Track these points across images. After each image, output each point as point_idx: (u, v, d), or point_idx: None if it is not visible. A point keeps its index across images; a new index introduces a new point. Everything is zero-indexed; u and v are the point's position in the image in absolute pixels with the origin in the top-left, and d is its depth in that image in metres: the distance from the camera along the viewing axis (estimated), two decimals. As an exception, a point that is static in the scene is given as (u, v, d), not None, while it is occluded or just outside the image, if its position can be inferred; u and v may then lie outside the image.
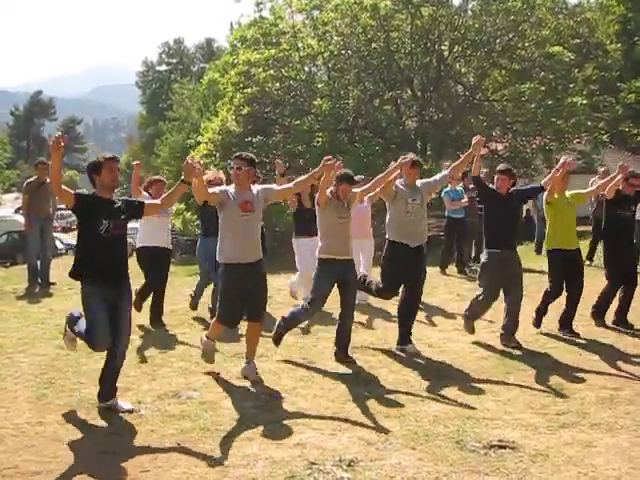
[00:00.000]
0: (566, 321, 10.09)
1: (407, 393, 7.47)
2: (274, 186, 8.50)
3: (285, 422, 6.60)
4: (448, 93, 30.71)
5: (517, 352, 9.07)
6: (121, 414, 6.77)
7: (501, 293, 9.52)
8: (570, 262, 10.01)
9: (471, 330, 9.67)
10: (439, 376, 8.07)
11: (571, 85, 30.11)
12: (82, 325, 6.98)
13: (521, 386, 7.68)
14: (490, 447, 5.94)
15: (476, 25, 29.58)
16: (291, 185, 8.43)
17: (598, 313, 10.47)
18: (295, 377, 8.04)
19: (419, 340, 9.55)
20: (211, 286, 10.85)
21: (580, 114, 28.59)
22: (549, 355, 8.93)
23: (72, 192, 6.85)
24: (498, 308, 9.80)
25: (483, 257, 9.61)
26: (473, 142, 9.16)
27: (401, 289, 9.39)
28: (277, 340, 8.70)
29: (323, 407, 7.04)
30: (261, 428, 6.43)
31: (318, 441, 6.10)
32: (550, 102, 28.74)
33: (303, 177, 8.47)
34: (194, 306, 11.30)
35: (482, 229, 9.96)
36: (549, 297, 10.12)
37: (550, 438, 6.17)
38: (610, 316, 10.47)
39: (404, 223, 9.24)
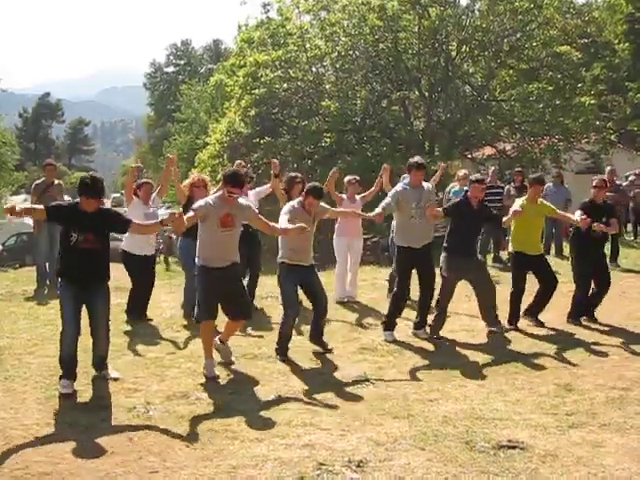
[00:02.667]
0: (532, 308, 10.48)
1: (416, 393, 7.46)
2: (254, 214, 8.40)
3: (294, 423, 6.60)
4: (456, 93, 30.64)
5: (526, 352, 9.06)
6: (126, 412, 6.80)
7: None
8: (533, 265, 10.33)
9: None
10: (448, 377, 8.06)
11: (579, 85, 30.02)
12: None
13: (530, 386, 7.67)
14: (499, 447, 5.93)
15: (483, 25, 29.49)
16: (268, 226, 8.38)
17: (573, 316, 10.59)
18: (303, 378, 8.04)
19: (428, 341, 9.59)
20: None
21: (588, 114, 28.47)
22: (558, 355, 8.91)
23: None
24: (504, 309, 9.85)
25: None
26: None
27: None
28: (283, 356, 8.79)
29: (332, 408, 7.04)
30: (270, 429, 6.44)
31: (327, 442, 6.10)
32: (558, 102, 28.65)
33: (277, 228, 8.41)
34: (188, 314, 10.94)
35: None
36: (515, 297, 10.37)
37: (559, 438, 6.16)
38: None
39: (409, 227, 9.49)
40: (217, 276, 7.94)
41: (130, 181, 10.87)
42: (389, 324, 9.70)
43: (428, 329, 9.75)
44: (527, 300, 10.37)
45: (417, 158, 9.71)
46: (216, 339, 8.51)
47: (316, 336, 9.12)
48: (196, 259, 8.15)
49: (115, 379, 7.75)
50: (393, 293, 9.85)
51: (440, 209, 9.90)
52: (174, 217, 7.39)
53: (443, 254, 9.88)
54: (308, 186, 8.92)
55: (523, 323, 10.31)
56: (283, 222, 8.48)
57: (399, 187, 9.64)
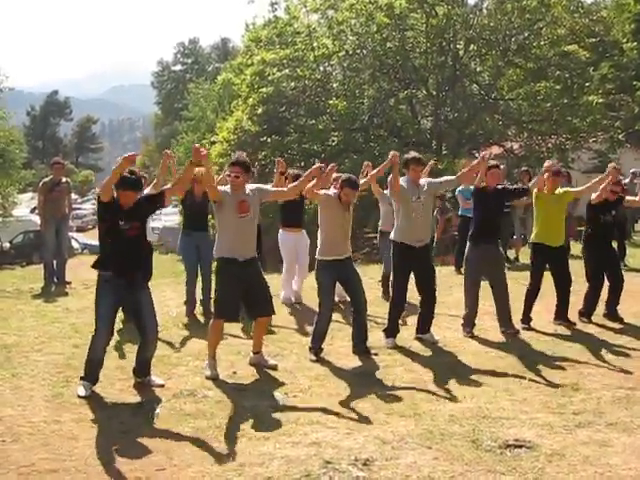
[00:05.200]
0: (559, 313, 10.42)
1: (422, 392, 7.47)
2: (269, 187, 8.60)
3: (301, 421, 6.61)
4: (463, 92, 30.62)
5: (533, 351, 9.05)
6: (139, 407, 6.82)
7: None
8: (552, 259, 10.26)
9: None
10: (454, 375, 8.05)
11: (587, 84, 29.97)
12: None
13: (537, 385, 7.66)
14: (506, 446, 5.93)
15: (491, 24, 29.47)
16: (285, 189, 8.59)
17: (585, 315, 10.62)
18: (311, 376, 8.05)
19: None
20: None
21: (596, 113, 28.42)
22: (565, 354, 8.89)
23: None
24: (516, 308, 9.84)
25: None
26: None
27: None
28: (316, 356, 8.77)
29: (339, 406, 7.04)
30: (277, 427, 6.45)
31: (334, 440, 6.11)
32: (566, 101, 28.60)
33: (297, 182, 8.68)
34: (190, 313, 11.05)
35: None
36: (530, 295, 10.38)
37: (566, 437, 6.15)
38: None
39: (408, 224, 9.31)
40: (237, 272, 7.89)
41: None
42: (390, 330, 9.50)
43: (434, 333, 9.69)
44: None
45: (414, 153, 9.62)
46: (251, 354, 8.54)
47: (359, 344, 8.99)
48: (214, 252, 8.12)
49: (161, 385, 7.59)
50: (391, 299, 9.62)
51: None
52: (199, 153, 7.45)
53: (468, 244, 9.95)
54: (344, 177, 8.83)
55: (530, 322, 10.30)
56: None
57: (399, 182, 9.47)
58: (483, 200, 9.78)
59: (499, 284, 9.88)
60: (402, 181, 9.34)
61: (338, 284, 9.00)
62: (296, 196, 9.28)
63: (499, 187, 9.95)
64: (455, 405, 7.04)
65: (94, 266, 7.36)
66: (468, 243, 9.98)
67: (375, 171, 10.24)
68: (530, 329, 10.07)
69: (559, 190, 10.27)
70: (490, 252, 9.83)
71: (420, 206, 9.28)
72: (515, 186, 10.74)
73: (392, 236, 9.53)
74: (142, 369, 7.65)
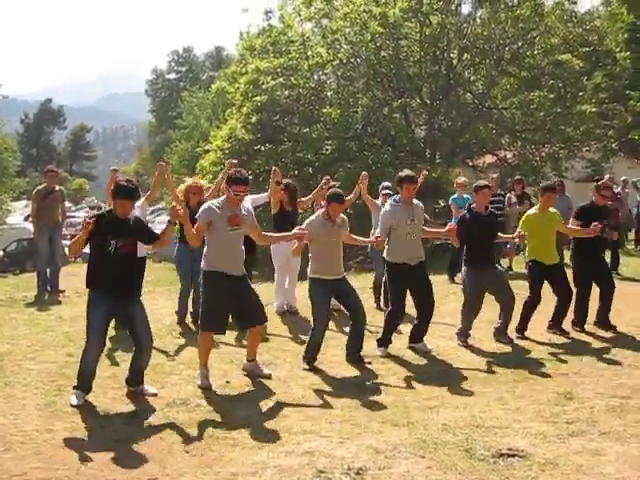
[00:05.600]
0: (555, 321, 10.45)
1: (416, 401, 7.46)
2: (254, 222, 8.28)
3: (294, 430, 6.60)
4: (457, 101, 30.62)
5: (526, 360, 9.06)
6: (131, 419, 6.80)
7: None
8: (550, 275, 10.28)
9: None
10: (448, 384, 8.05)
11: (580, 93, 30.02)
12: None
13: (530, 394, 7.66)
14: (499, 456, 5.93)
15: (485, 33, 29.51)
16: (263, 235, 8.47)
17: (578, 324, 10.64)
18: (304, 385, 8.04)
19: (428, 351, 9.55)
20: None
21: (589, 122, 28.47)
22: (558, 364, 8.90)
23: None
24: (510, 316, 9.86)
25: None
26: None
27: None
28: (309, 365, 8.76)
29: (332, 415, 7.04)
30: (270, 436, 6.44)
31: (327, 449, 6.10)
32: (559, 110, 28.63)
33: (275, 236, 8.92)
34: (181, 320, 11.07)
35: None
36: (528, 307, 10.36)
37: (559, 447, 6.15)
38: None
39: (404, 245, 9.27)
40: (225, 285, 7.83)
41: (109, 185, 10.76)
42: (383, 341, 9.48)
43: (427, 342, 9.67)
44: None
45: (408, 171, 9.50)
46: (244, 362, 8.52)
47: (353, 352, 9.01)
48: (202, 264, 8.04)
49: (154, 394, 7.57)
50: (388, 312, 9.55)
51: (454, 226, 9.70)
52: (177, 212, 7.47)
53: (464, 268, 9.90)
54: (330, 192, 8.90)
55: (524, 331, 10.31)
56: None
57: (388, 207, 9.45)
58: (476, 222, 9.71)
59: (505, 295, 9.84)
60: (392, 206, 9.34)
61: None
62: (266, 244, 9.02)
63: (491, 210, 10.05)
64: (448, 414, 7.04)
65: (88, 285, 7.36)
66: (464, 267, 9.96)
67: (352, 195, 10.82)
68: (524, 338, 10.08)
69: (552, 210, 10.34)
70: (489, 274, 9.79)
71: (414, 227, 9.28)
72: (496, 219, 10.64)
73: (387, 257, 9.46)
74: (135, 378, 7.64)
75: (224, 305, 7.88)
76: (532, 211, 10.48)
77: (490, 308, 10.12)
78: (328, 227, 8.75)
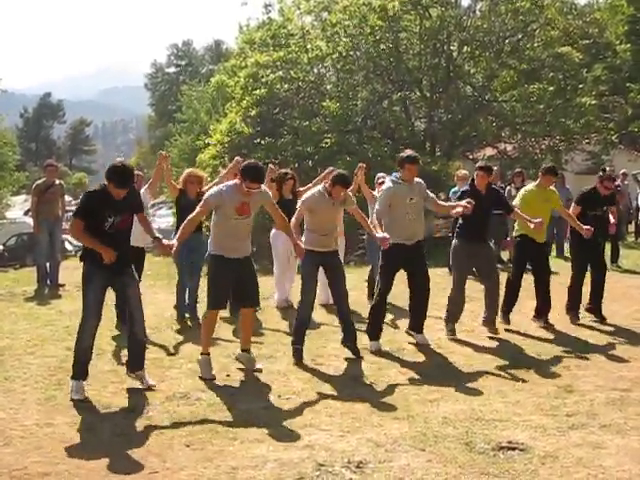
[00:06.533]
0: (540, 310, 10.49)
1: (416, 394, 7.45)
2: (271, 200, 8.36)
3: (294, 423, 6.59)
4: (457, 94, 30.56)
5: (525, 353, 9.06)
6: (130, 412, 6.80)
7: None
8: (534, 253, 10.36)
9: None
10: (448, 377, 8.05)
11: (580, 85, 29.97)
12: None
13: (530, 387, 7.66)
14: (499, 449, 5.92)
15: (485, 26, 29.44)
16: (284, 220, 8.41)
17: (572, 309, 10.70)
18: (304, 378, 8.04)
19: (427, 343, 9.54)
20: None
21: (589, 114, 28.43)
22: (558, 356, 8.90)
23: None
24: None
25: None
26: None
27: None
28: (299, 358, 8.69)
29: (332, 408, 7.03)
30: (270, 429, 6.43)
31: (327, 442, 6.10)
32: (559, 102, 28.59)
33: (290, 230, 8.51)
34: (181, 319, 10.91)
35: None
36: (511, 285, 10.46)
37: (559, 439, 6.14)
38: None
39: (402, 224, 9.11)
40: (230, 266, 7.90)
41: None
42: (373, 334, 9.31)
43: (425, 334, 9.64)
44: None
45: (410, 152, 9.36)
46: (238, 352, 8.52)
47: (350, 345, 8.95)
48: (209, 248, 8.14)
49: (152, 387, 7.56)
50: (371, 307, 9.43)
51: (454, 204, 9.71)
52: (163, 249, 7.62)
53: (454, 241, 9.97)
54: (336, 174, 8.76)
55: (522, 323, 10.31)
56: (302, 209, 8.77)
57: (389, 183, 9.29)
58: (475, 199, 9.59)
59: (489, 278, 9.90)
60: (394, 182, 9.21)
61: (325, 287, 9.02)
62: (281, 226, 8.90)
63: (494, 188, 9.99)
64: (448, 407, 7.03)
65: (82, 259, 7.38)
66: (455, 240, 9.98)
67: (352, 186, 10.29)
68: (511, 331, 10.06)
69: (552, 188, 10.36)
70: (479, 248, 9.85)
71: (414, 206, 9.19)
72: (507, 202, 10.55)
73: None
74: (136, 360, 7.65)
75: (229, 283, 8.00)
76: (530, 187, 10.51)
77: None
78: (328, 203, 8.73)
